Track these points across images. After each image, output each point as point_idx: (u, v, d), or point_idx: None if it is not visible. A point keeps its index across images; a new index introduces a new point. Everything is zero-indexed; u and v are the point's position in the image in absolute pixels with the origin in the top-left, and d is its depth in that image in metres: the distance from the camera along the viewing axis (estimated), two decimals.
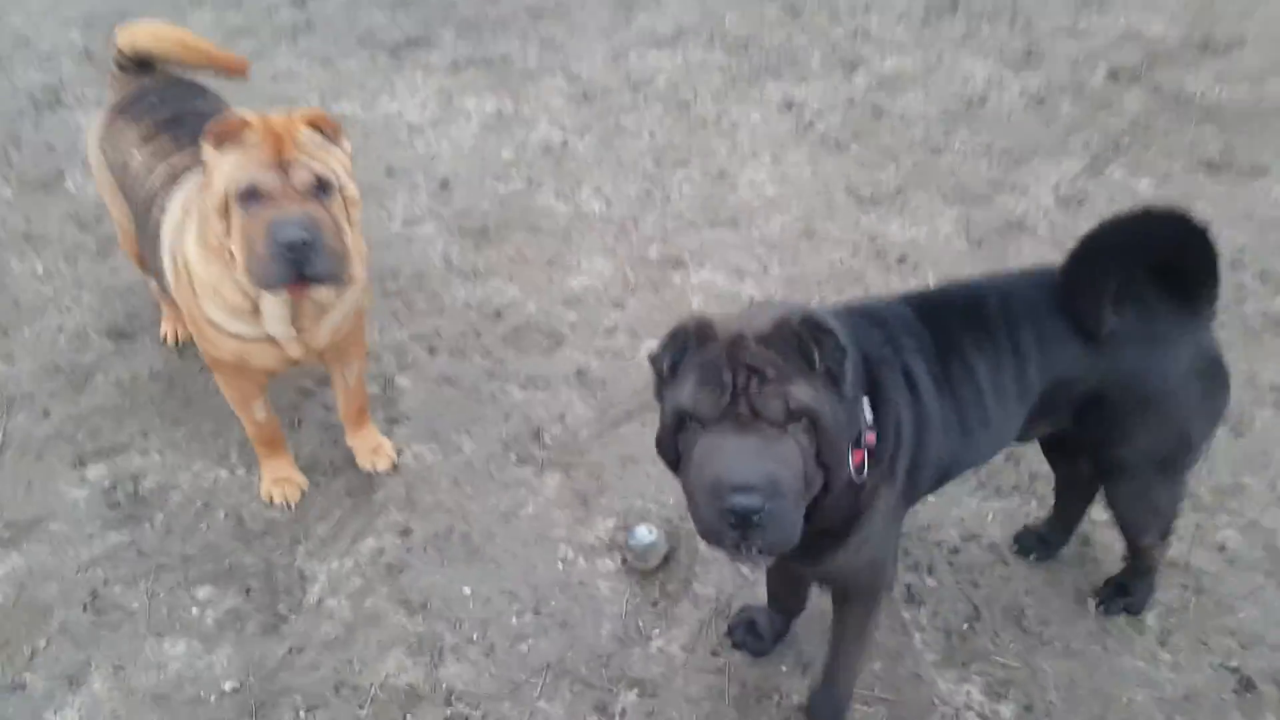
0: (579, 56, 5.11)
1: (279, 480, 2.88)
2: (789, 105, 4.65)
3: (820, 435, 1.58)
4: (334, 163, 2.28)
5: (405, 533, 2.80)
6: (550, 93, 4.81)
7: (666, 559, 2.67)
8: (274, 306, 2.35)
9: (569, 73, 4.95)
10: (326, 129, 2.30)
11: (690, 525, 2.75)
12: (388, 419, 3.15)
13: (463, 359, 3.35)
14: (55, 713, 2.39)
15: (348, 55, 5.25)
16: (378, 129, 4.55)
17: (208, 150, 2.21)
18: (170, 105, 2.79)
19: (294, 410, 3.18)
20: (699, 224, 3.93)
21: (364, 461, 2.97)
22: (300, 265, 2.17)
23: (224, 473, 3.00)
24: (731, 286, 3.63)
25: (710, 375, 1.56)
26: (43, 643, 2.54)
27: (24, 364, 3.34)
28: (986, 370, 1.91)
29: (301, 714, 2.37)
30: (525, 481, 2.93)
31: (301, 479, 2.92)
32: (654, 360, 1.69)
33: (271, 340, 2.44)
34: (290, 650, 2.51)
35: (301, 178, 2.19)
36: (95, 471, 2.99)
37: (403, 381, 3.28)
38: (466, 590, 2.64)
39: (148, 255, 2.70)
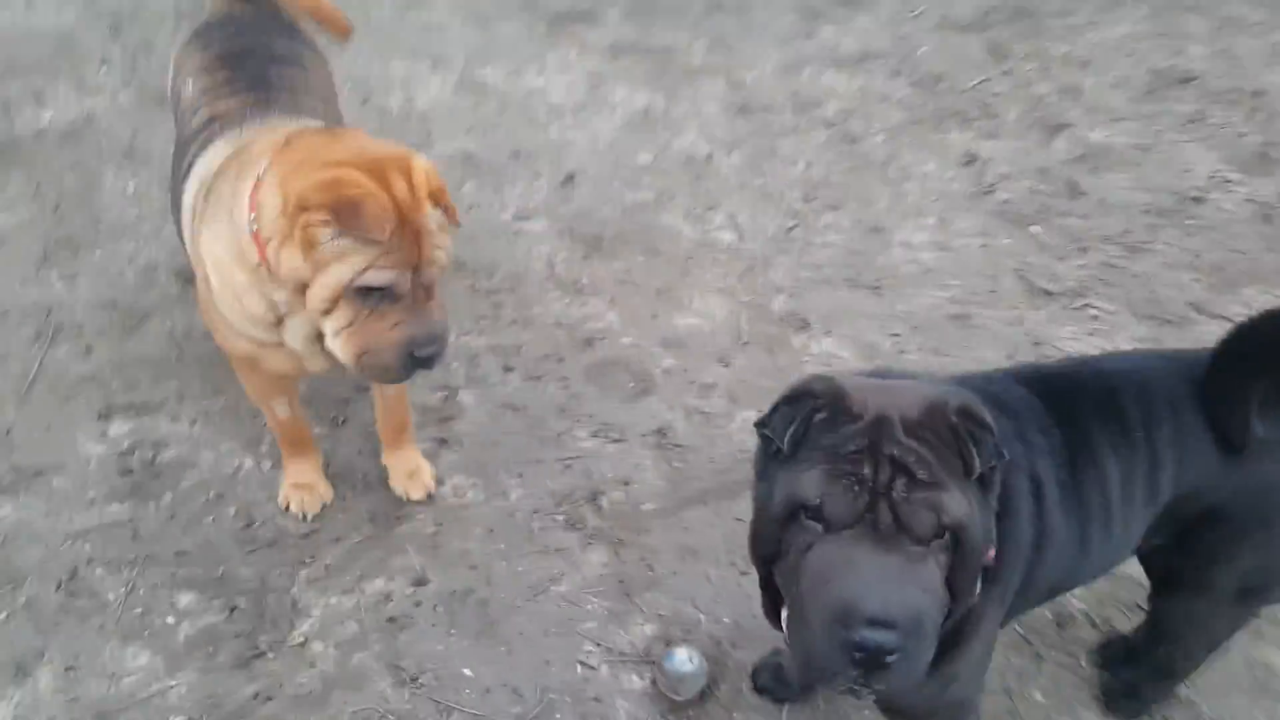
0: (748, 62, 4.63)
1: (300, 486, 2.56)
2: (971, 161, 4.07)
3: (961, 556, 1.31)
4: (449, 242, 1.99)
5: (420, 582, 2.44)
6: (707, 97, 4.35)
7: (703, 693, 2.22)
8: (300, 325, 1.99)
9: (732, 78, 4.48)
10: (446, 208, 1.97)
11: (739, 657, 2.32)
12: (438, 438, 2.79)
13: (537, 386, 2.96)
14: None
15: (506, 17, 4.90)
16: (515, 104, 4.19)
17: (322, 228, 1.81)
18: (245, 37, 2.47)
19: (341, 406, 2.86)
20: (835, 282, 3.43)
21: (397, 484, 2.62)
22: (423, 368, 2.02)
23: (249, 461, 2.70)
24: (858, 363, 3.12)
25: (846, 465, 1.28)
26: (2, 615, 2.29)
27: (83, 290, 3.13)
28: (1119, 476, 1.62)
29: None
30: (567, 551, 2.53)
31: (325, 489, 2.60)
32: (765, 428, 1.38)
33: (291, 349, 2.09)
34: (256, 696, 2.19)
35: (430, 276, 1.94)
36: (118, 428, 2.74)
37: (466, 397, 2.92)
38: (467, 672, 2.26)
39: (171, 199, 2.39)
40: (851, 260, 3.54)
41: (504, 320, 3.17)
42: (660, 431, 2.84)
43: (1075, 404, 1.64)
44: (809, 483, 1.30)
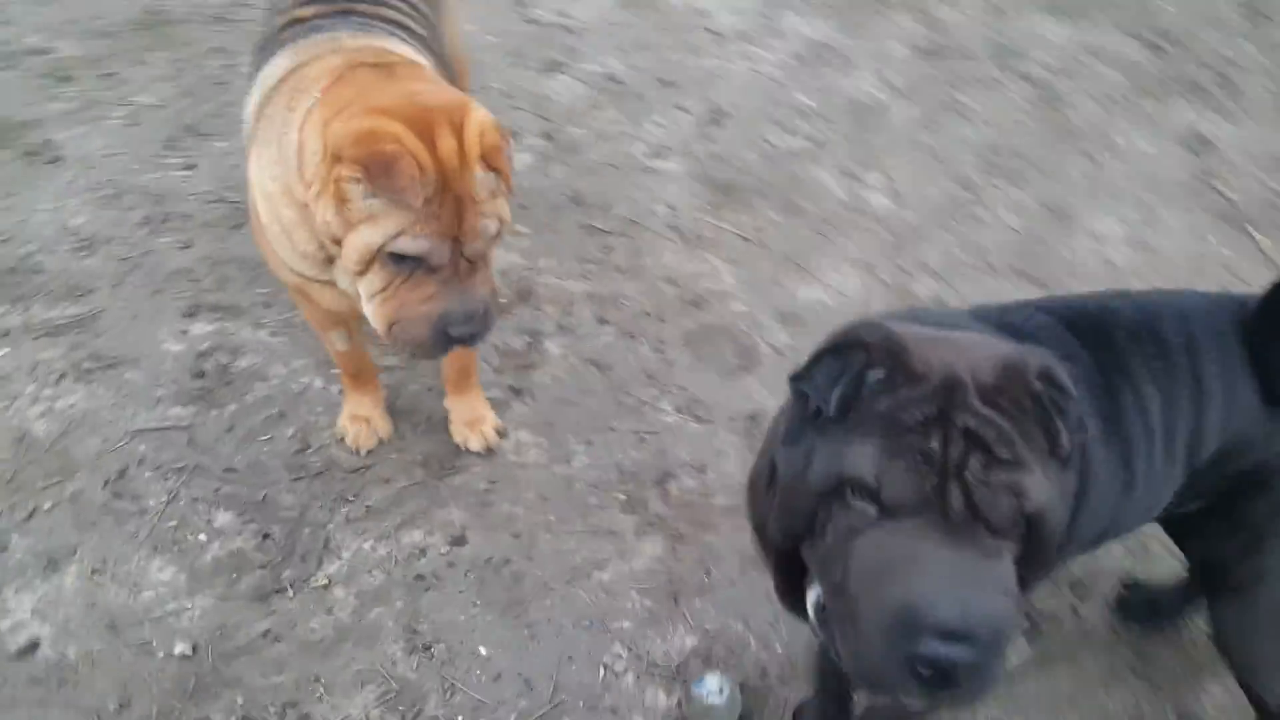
0: None
1: (358, 418, 2.43)
2: (1196, 144, 3.45)
3: (1037, 544, 1.11)
4: (503, 209, 1.76)
5: (458, 542, 2.27)
6: (894, 35, 3.87)
7: None
8: None
9: (928, 15, 3.96)
10: (500, 172, 1.72)
11: (784, 695, 2.04)
12: (513, 387, 2.59)
13: (630, 345, 2.70)
14: (16, 592, 2.13)
15: None
16: (676, 25, 3.85)
17: (353, 184, 1.63)
18: None
19: None
20: (999, 269, 2.97)
21: (456, 432, 2.44)
22: (459, 345, 1.83)
23: (319, 382, 2.59)
24: None
25: (910, 438, 1.07)
26: (48, 505, 2.28)
27: (200, 180, 3.08)
28: (1160, 403, 1.41)
29: None
30: (620, 535, 2.29)
31: (384, 425, 2.45)
32: (803, 384, 1.18)
33: (343, 289, 1.92)
34: (266, 634, 2.09)
35: (475, 248, 1.72)
36: (201, 328, 2.68)
37: (552, 346, 2.70)
38: (483, 651, 2.09)
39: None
40: (1024, 247, 3.06)
41: (610, 266, 2.91)
42: (753, 417, 2.54)
43: (1106, 329, 1.44)
44: (864, 457, 1.08)
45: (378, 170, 1.56)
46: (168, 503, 2.31)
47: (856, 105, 3.53)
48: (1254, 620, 1.61)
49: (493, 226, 1.71)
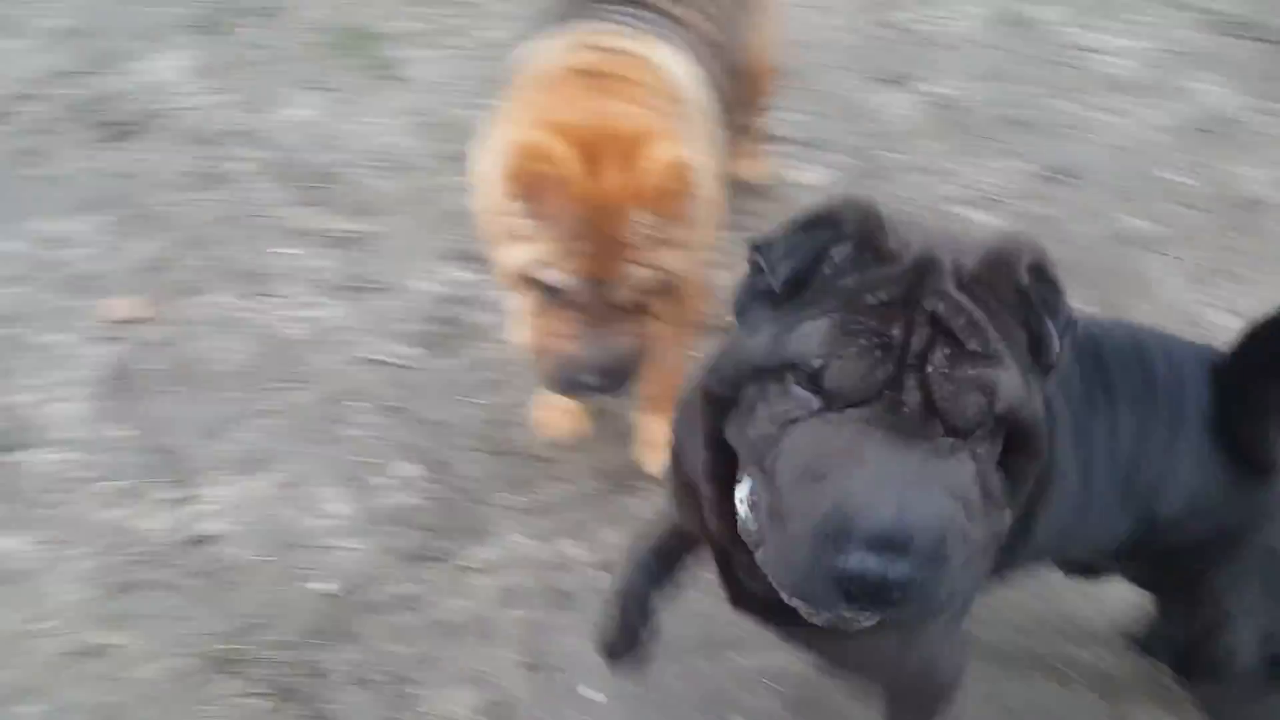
0: None
1: (556, 409, 2.39)
2: None
3: (1022, 447, 0.98)
4: (670, 260, 1.61)
5: (608, 568, 2.17)
6: None
7: None
8: None
9: None
10: (672, 214, 1.56)
11: None
12: None
13: None
14: (217, 483, 2.30)
15: None
16: (1052, 59, 3.36)
17: (512, 199, 1.56)
18: None
19: None
20: None
21: (639, 449, 2.34)
22: (591, 391, 1.74)
23: None
24: None
25: (867, 320, 0.93)
26: (273, 407, 2.45)
27: None
28: (1131, 430, 1.31)
29: (337, 690, 1.99)
30: None
31: (580, 422, 2.40)
32: (760, 252, 1.03)
33: None
34: (401, 600, 2.13)
35: (625, 295, 1.60)
36: (457, 274, 2.75)
37: None
38: (588, 694, 1.99)
39: None
40: None
41: None
42: None
43: (1097, 344, 1.34)
44: (811, 335, 0.94)
45: (530, 191, 1.51)
46: (369, 438, 2.40)
47: (1243, 200, 2.91)
48: (1230, 696, 1.54)
49: (648, 276, 1.56)
